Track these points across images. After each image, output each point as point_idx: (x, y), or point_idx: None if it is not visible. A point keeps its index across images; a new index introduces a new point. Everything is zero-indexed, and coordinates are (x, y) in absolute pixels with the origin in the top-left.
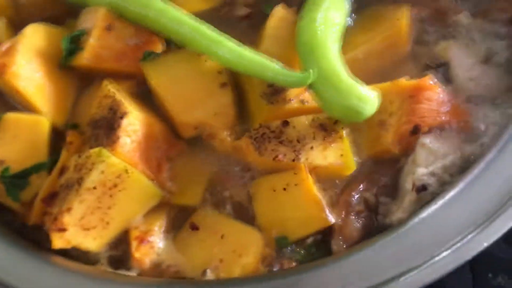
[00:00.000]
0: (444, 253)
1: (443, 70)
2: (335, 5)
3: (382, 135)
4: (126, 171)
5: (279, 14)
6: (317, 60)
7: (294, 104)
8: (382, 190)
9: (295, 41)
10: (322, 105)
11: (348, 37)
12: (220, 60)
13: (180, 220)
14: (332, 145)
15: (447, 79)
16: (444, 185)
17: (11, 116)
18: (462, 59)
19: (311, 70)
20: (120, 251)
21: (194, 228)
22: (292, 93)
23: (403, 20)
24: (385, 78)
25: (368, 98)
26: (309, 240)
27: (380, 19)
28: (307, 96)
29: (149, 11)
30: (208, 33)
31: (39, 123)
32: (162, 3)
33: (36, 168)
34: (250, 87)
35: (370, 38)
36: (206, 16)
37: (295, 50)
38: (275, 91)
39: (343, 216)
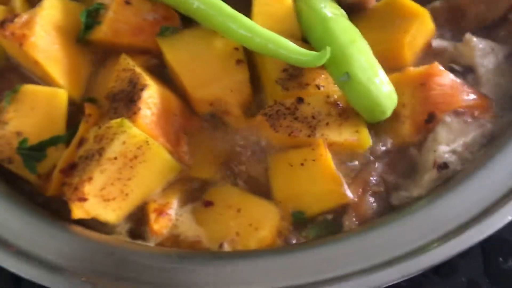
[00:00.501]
0: (466, 227)
1: (468, 72)
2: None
3: (398, 128)
4: (147, 142)
5: None
6: (357, 53)
7: (309, 89)
8: (401, 172)
9: (311, 36)
10: (350, 98)
11: None
12: (234, 36)
13: (197, 193)
14: (347, 121)
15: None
16: (465, 163)
17: (28, 88)
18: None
19: (327, 48)
20: (137, 224)
21: (208, 204)
22: (308, 77)
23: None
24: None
25: (393, 94)
26: (326, 216)
27: (389, 20)
28: (323, 80)
29: None
30: (223, 8)
31: (57, 95)
32: None
33: (53, 141)
34: (265, 72)
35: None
36: None
37: (286, 25)
38: (290, 76)
39: (359, 193)
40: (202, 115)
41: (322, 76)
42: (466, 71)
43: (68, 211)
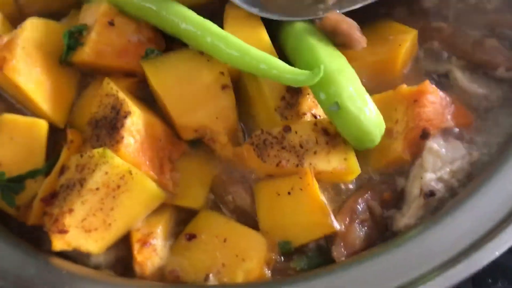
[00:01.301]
0: (455, 262)
1: (444, 78)
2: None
3: (391, 144)
4: (130, 172)
5: (231, 15)
6: (346, 82)
7: (307, 118)
8: (387, 201)
9: (298, 63)
10: (340, 127)
11: None
12: (224, 56)
13: (183, 222)
14: (335, 149)
15: (447, 85)
16: (452, 191)
17: (8, 117)
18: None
19: (321, 66)
20: (121, 254)
21: (191, 238)
22: (305, 107)
23: (402, 48)
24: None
25: (382, 123)
26: (313, 246)
27: (382, 37)
28: (320, 110)
29: (152, 5)
30: (213, 28)
31: (36, 125)
32: None
33: (32, 174)
34: (262, 100)
35: (365, 55)
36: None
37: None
38: (287, 105)
39: (346, 222)
40: (188, 141)
41: (319, 106)
42: (441, 76)
43: (48, 240)
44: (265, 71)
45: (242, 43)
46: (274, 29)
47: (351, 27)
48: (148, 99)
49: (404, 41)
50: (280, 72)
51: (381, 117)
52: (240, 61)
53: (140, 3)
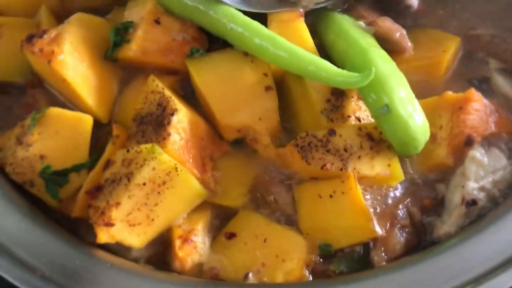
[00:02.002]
0: (497, 272)
1: (485, 84)
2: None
3: (434, 150)
4: (176, 169)
5: (275, 17)
6: (398, 86)
7: (352, 121)
8: (427, 207)
9: (348, 65)
10: (386, 131)
11: None
12: (271, 58)
13: (223, 220)
14: (379, 155)
15: (488, 90)
16: (493, 201)
17: (54, 111)
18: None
19: (372, 68)
20: (157, 249)
21: (231, 237)
22: (349, 109)
23: (447, 53)
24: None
25: (427, 130)
26: (354, 249)
27: (425, 43)
28: (363, 114)
29: (200, 5)
30: (261, 29)
31: (82, 120)
32: None
33: (76, 169)
34: (307, 103)
35: (410, 60)
36: None
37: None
38: (333, 107)
39: (387, 227)
40: (230, 141)
41: (362, 108)
42: (482, 82)
43: (88, 233)
44: (314, 73)
45: (291, 45)
46: (318, 32)
47: (402, 35)
48: (189, 97)
49: (449, 48)
50: (329, 74)
51: (427, 124)
52: (288, 62)
53: (188, 3)
